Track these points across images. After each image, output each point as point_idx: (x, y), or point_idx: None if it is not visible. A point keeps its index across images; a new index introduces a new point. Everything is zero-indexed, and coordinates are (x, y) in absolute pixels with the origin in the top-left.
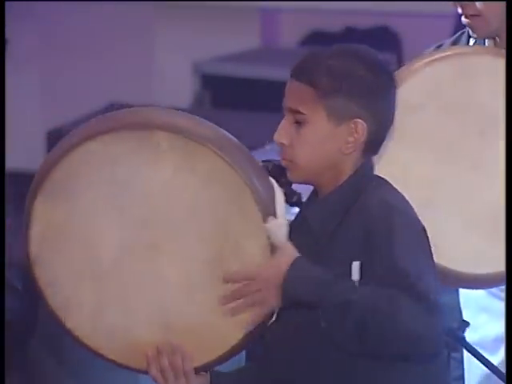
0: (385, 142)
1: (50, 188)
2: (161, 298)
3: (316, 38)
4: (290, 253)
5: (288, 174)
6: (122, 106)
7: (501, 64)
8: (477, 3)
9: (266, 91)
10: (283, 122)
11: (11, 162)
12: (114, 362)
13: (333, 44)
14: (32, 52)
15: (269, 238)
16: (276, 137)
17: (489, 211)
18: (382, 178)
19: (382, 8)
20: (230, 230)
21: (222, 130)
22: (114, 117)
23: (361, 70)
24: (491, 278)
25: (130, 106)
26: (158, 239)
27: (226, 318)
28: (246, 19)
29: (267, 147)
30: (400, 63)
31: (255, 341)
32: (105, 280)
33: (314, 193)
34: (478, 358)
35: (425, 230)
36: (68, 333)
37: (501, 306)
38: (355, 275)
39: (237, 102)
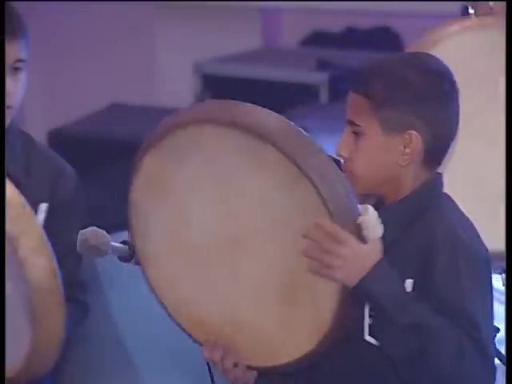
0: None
1: (163, 149)
2: (232, 292)
3: (317, 39)
4: (378, 248)
5: (353, 187)
6: (122, 107)
7: None
8: (490, 3)
9: (267, 91)
10: (344, 133)
11: None
12: (179, 326)
13: (333, 44)
14: (33, 52)
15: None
16: (336, 148)
17: (496, 190)
18: (450, 197)
19: (384, 8)
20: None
21: (327, 157)
22: (237, 111)
23: (415, 79)
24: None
25: (131, 107)
26: (243, 237)
27: (288, 334)
28: (247, 19)
29: None
30: None
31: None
32: (188, 254)
33: (377, 202)
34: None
35: (488, 259)
36: (147, 281)
37: (501, 310)
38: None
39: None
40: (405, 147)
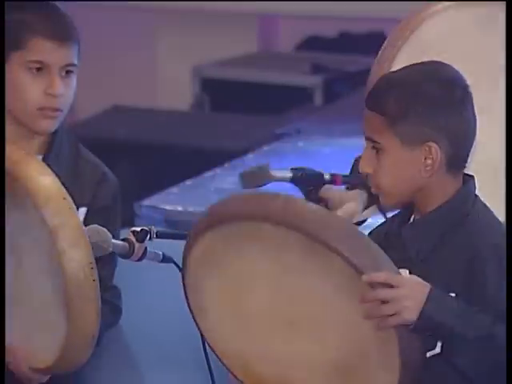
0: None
1: (226, 231)
2: (286, 362)
3: (311, 43)
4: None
5: (380, 200)
6: (125, 109)
7: None
8: None
9: (264, 94)
10: (365, 150)
11: None
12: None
13: (327, 48)
14: None
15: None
16: (360, 167)
17: (489, 159)
18: (481, 201)
19: (376, 14)
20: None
21: (395, 269)
22: (302, 213)
23: (427, 90)
24: None
25: (133, 109)
26: (297, 320)
27: None
28: (244, 24)
29: (265, 148)
30: None
31: None
32: (243, 319)
33: (407, 212)
34: None
35: None
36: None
37: None
38: None
39: (235, 104)
40: (426, 159)
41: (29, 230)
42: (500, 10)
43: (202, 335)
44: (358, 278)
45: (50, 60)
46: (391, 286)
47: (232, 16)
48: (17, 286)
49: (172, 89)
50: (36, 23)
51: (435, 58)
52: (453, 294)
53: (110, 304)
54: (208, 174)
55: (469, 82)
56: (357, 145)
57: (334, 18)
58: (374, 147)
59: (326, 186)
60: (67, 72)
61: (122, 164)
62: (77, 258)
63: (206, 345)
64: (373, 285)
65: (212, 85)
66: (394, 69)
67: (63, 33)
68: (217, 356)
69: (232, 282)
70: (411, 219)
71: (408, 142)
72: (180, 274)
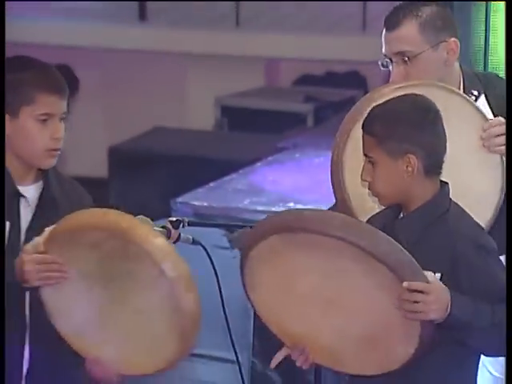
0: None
1: (287, 237)
2: (320, 324)
3: (305, 80)
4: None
5: (378, 201)
6: (163, 129)
7: (447, 94)
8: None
9: (269, 118)
10: (364, 163)
11: (81, 171)
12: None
13: (317, 84)
14: (97, 89)
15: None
16: (362, 176)
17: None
18: (455, 203)
19: (354, 57)
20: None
21: (425, 277)
22: (359, 231)
23: (406, 116)
24: None
25: (169, 129)
26: (337, 300)
27: (358, 363)
28: (254, 65)
29: (269, 158)
30: None
31: None
32: (291, 296)
33: (398, 209)
34: None
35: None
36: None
37: None
38: None
39: (247, 126)
40: (407, 167)
41: (136, 279)
42: (435, 91)
43: (252, 305)
44: (396, 281)
45: (54, 111)
46: (423, 292)
47: (245, 59)
48: (122, 317)
49: (199, 114)
50: (43, 81)
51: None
52: (438, 275)
53: None
54: (226, 178)
55: None
56: None
57: (321, 60)
58: (369, 161)
59: None
60: (62, 119)
61: (161, 171)
62: (191, 300)
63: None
64: (409, 290)
65: (229, 111)
66: (351, 141)
67: (62, 87)
68: (262, 320)
69: (285, 269)
70: (400, 215)
71: (393, 155)
72: (204, 253)
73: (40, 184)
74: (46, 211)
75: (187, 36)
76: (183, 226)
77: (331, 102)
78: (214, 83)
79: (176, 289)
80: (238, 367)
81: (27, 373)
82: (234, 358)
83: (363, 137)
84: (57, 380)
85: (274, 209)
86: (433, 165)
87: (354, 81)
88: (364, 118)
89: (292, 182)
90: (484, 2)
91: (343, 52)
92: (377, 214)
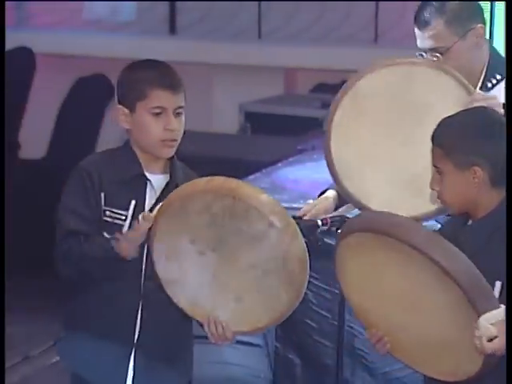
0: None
1: (374, 238)
2: (401, 318)
3: (321, 88)
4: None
5: (448, 210)
6: (192, 133)
7: (435, 73)
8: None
9: (288, 123)
10: (433, 173)
11: None
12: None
13: (333, 91)
14: None
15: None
16: (430, 184)
17: (407, 173)
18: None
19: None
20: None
21: (496, 303)
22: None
23: (472, 129)
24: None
25: (198, 133)
26: (416, 302)
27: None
28: (275, 74)
29: (290, 159)
30: None
31: None
32: (375, 294)
33: (462, 218)
34: None
35: None
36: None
37: None
38: (496, 293)
39: (268, 130)
40: (473, 178)
41: (245, 235)
42: (418, 68)
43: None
44: (470, 305)
45: (166, 104)
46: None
47: (266, 69)
48: (232, 276)
49: (224, 119)
50: (155, 78)
51: (371, 102)
52: (499, 283)
53: None
54: (251, 177)
55: (393, 119)
56: None
57: (336, 70)
58: (437, 171)
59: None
60: (178, 113)
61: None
62: (298, 247)
63: None
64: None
65: (252, 116)
66: (339, 110)
67: (174, 83)
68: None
69: (370, 264)
70: (468, 223)
71: (460, 167)
72: None
73: (167, 176)
74: None
75: (213, 48)
76: None
77: None
78: (238, 91)
79: (285, 237)
80: (262, 351)
81: (137, 341)
82: (259, 343)
83: (432, 148)
84: (167, 346)
85: (295, 205)
86: (498, 175)
87: None
88: (353, 90)
89: (311, 180)
90: (488, 2)
91: (356, 62)
92: (446, 222)
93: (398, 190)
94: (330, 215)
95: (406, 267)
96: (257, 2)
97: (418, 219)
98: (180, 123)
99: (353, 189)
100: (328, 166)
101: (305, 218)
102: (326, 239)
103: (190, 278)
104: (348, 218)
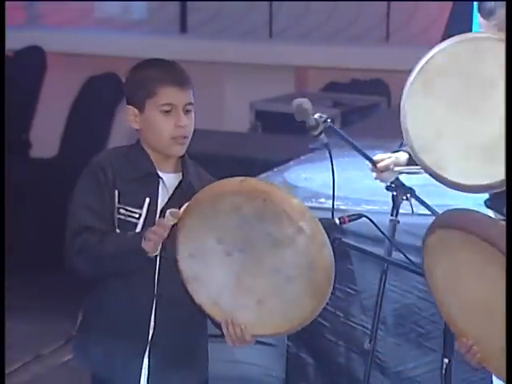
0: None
1: (460, 235)
2: (464, 318)
3: (332, 87)
4: None
5: None
6: (203, 131)
7: (499, 46)
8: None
9: (299, 122)
10: None
11: None
12: None
13: (343, 90)
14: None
15: None
16: None
17: (480, 143)
18: None
19: (378, 66)
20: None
21: None
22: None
23: None
24: (477, 187)
25: (209, 131)
26: (496, 306)
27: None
28: (285, 73)
29: (302, 158)
30: (389, 105)
31: None
32: (460, 302)
33: None
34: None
35: None
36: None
37: None
38: None
39: (279, 128)
40: None
41: (277, 236)
42: (484, 43)
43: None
44: None
45: (175, 101)
46: None
47: (277, 67)
48: (256, 278)
49: (235, 117)
50: (163, 75)
51: (442, 79)
52: None
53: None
54: (263, 175)
55: (463, 93)
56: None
57: (347, 69)
58: None
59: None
60: (188, 110)
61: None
62: (325, 257)
63: None
64: None
65: (263, 115)
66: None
67: (182, 80)
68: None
69: (452, 263)
70: None
71: None
72: None
73: (179, 174)
74: (182, 196)
75: (224, 47)
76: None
77: (356, 107)
78: (249, 90)
79: (313, 245)
80: (275, 350)
81: (151, 339)
82: (272, 342)
83: None
84: (181, 344)
85: (306, 203)
86: None
87: (378, 88)
88: (424, 68)
89: (323, 179)
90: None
91: (367, 61)
92: None
93: (471, 161)
94: (348, 214)
95: (484, 267)
96: (268, 2)
97: (492, 187)
98: (190, 120)
99: (429, 162)
100: (406, 139)
101: (379, 165)
102: (341, 237)
103: (215, 277)
104: (365, 216)
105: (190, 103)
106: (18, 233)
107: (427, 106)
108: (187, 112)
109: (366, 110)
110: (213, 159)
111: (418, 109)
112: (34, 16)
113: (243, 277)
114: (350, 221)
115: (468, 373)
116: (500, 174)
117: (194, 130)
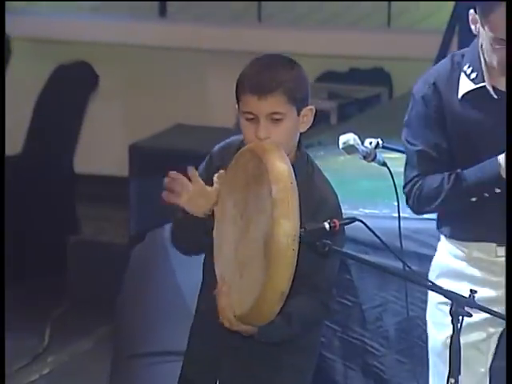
0: None
1: None
2: None
3: (328, 76)
4: None
5: None
6: (185, 126)
7: None
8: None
9: None
10: None
11: (101, 169)
12: None
13: (340, 80)
14: (116, 86)
15: None
16: None
17: None
18: None
19: (379, 54)
20: None
21: None
22: None
23: None
24: None
25: (191, 126)
26: None
27: None
28: None
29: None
30: (391, 97)
31: None
32: None
33: None
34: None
35: None
36: None
37: (480, 275)
38: None
39: None
40: None
41: (259, 202)
42: None
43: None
44: None
45: (254, 110)
46: None
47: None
48: (243, 248)
49: (221, 111)
50: (246, 80)
51: None
52: None
53: (321, 303)
54: None
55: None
56: None
57: (345, 56)
58: None
59: None
60: (276, 119)
61: (183, 169)
62: (286, 228)
63: None
64: None
65: None
66: None
67: (262, 88)
68: None
69: None
70: None
71: None
72: None
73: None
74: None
75: (208, 32)
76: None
77: (355, 99)
78: (235, 80)
79: (275, 211)
80: None
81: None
82: None
83: None
84: None
85: None
86: None
87: (379, 78)
88: None
89: None
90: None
91: (367, 48)
92: None
93: None
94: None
95: None
96: None
97: None
98: (277, 130)
99: None
100: None
101: None
102: (333, 246)
103: (224, 245)
104: (359, 220)
105: (276, 112)
106: None
107: None
108: (276, 121)
109: (365, 102)
110: (196, 157)
111: None
112: None
113: (237, 246)
114: (341, 225)
115: None
116: None
117: (179, 126)
